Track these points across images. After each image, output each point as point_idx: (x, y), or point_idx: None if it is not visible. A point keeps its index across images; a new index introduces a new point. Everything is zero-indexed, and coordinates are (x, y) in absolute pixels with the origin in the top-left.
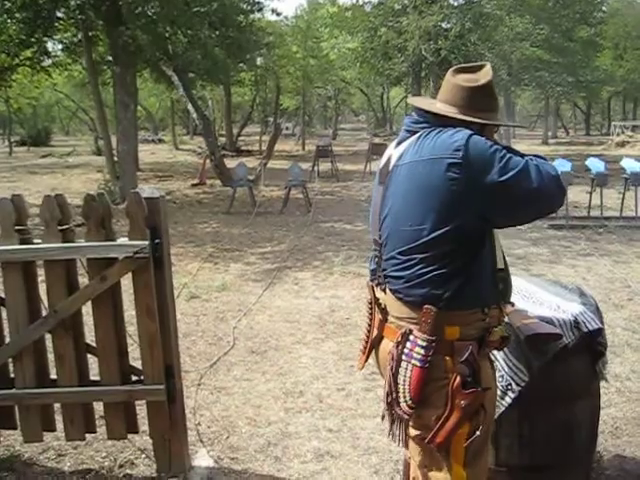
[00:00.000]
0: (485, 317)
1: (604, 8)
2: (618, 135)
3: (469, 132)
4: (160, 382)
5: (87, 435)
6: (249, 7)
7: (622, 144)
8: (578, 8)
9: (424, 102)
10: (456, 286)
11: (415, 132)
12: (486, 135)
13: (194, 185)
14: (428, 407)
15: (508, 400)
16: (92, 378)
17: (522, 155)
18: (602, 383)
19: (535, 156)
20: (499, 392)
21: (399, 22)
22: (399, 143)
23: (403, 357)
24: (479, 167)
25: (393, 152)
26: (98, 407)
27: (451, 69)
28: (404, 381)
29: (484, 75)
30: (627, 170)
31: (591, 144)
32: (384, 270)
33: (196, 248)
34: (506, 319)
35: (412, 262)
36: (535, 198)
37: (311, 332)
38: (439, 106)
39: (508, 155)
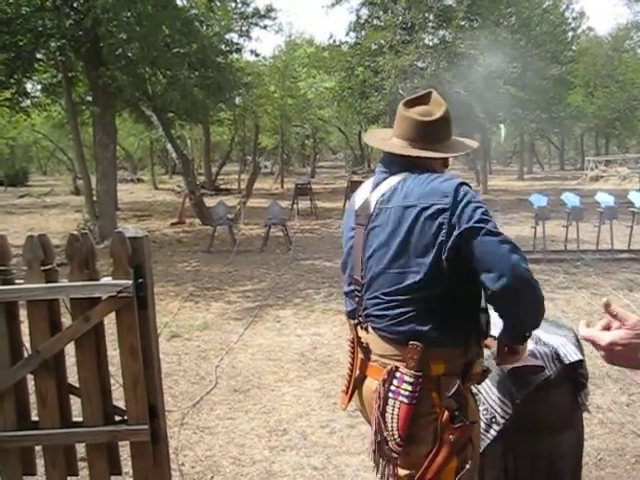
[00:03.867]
0: (467, 352)
1: (574, 47)
2: (592, 170)
3: (459, 180)
4: (144, 422)
5: (69, 478)
6: (228, 48)
7: (596, 178)
8: (549, 47)
9: (380, 140)
10: (440, 325)
11: (392, 173)
12: (448, 159)
13: (173, 224)
14: (417, 444)
15: (493, 433)
16: (74, 419)
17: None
18: (584, 414)
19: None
20: (483, 425)
21: (376, 62)
22: (376, 185)
23: (390, 395)
24: (463, 214)
25: (371, 194)
26: (80, 448)
27: (402, 103)
28: (392, 419)
29: (437, 105)
30: (602, 204)
31: (566, 179)
32: (365, 309)
33: (176, 287)
34: (488, 352)
35: (396, 303)
36: (493, 261)
37: (294, 370)
38: (395, 142)
39: (493, 218)
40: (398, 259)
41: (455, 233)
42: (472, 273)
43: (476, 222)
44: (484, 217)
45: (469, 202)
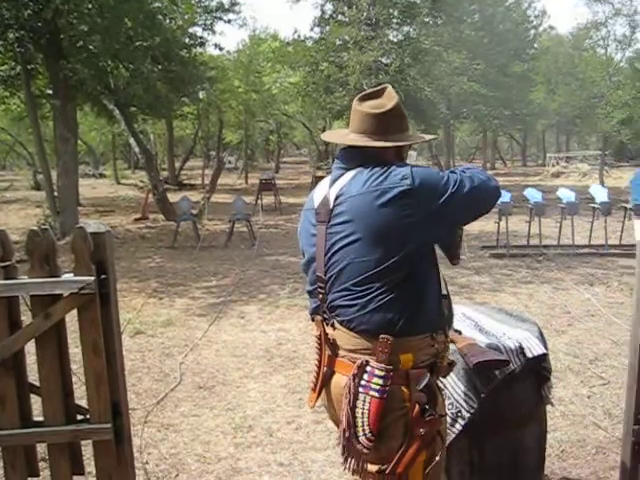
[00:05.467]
0: (434, 343)
1: (536, 45)
2: (553, 166)
3: (411, 165)
4: (107, 421)
5: (29, 479)
6: (192, 41)
7: (557, 175)
8: (512, 45)
9: (338, 136)
10: (410, 312)
11: (348, 169)
12: (405, 153)
13: (137, 220)
14: (387, 439)
15: (458, 427)
16: (35, 419)
17: (458, 169)
18: (548, 407)
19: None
20: (449, 419)
21: (340, 57)
22: (334, 181)
23: (360, 389)
24: (426, 191)
25: (329, 190)
26: (41, 449)
27: (356, 98)
28: (362, 414)
29: (389, 98)
30: (563, 200)
31: (528, 175)
32: (331, 304)
33: (140, 283)
34: (453, 347)
35: (368, 291)
36: (473, 200)
37: (259, 366)
38: (352, 137)
39: (447, 175)
40: (365, 247)
41: (426, 211)
42: (435, 259)
43: (442, 194)
44: (443, 183)
45: (428, 179)
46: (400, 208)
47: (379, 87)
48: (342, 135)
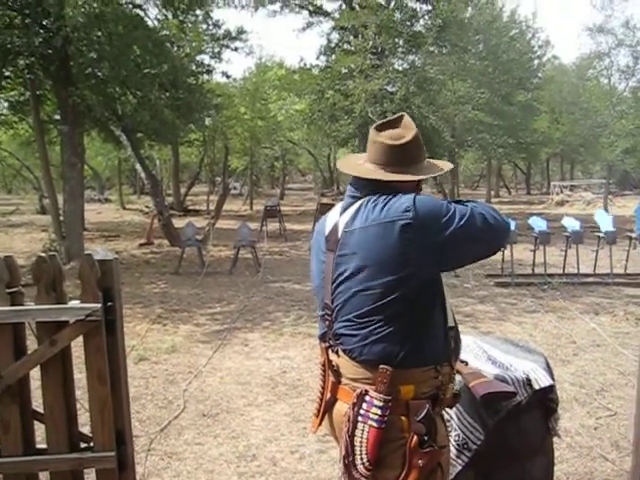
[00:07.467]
0: (438, 375)
1: (540, 75)
2: (557, 194)
3: (414, 194)
4: (111, 449)
5: None
6: (199, 69)
7: (561, 203)
8: (516, 74)
9: (355, 166)
10: (412, 344)
11: (359, 198)
12: (421, 183)
13: (141, 245)
14: (385, 468)
15: (464, 459)
16: (38, 446)
17: (467, 202)
18: (554, 439)
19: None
20: (455, 451)
21: (346, 85)
22: (344, 209)
23: (359, 418)
24: (429, 224)
25: (339, 219)
26: (44, 477)
27: (373, 127)
28: (361, 443)
29: (408, 129)
30: (568, 228)
31: (532, 203)
32: (336, 332)
33: (144, 309)
34: (459, 378)
35: (369, 323)
36: (481, 239)
37: (263, 394)
38: (368, 166)
39: (453, 207)
40: (367, 280)
41: (426, 246)
42: (440, 290)
43: (445, 230)
44: (448, 218)
45: (431, 211)
46: (402, 242)
47: (396, 116)
48: (358, 165)
